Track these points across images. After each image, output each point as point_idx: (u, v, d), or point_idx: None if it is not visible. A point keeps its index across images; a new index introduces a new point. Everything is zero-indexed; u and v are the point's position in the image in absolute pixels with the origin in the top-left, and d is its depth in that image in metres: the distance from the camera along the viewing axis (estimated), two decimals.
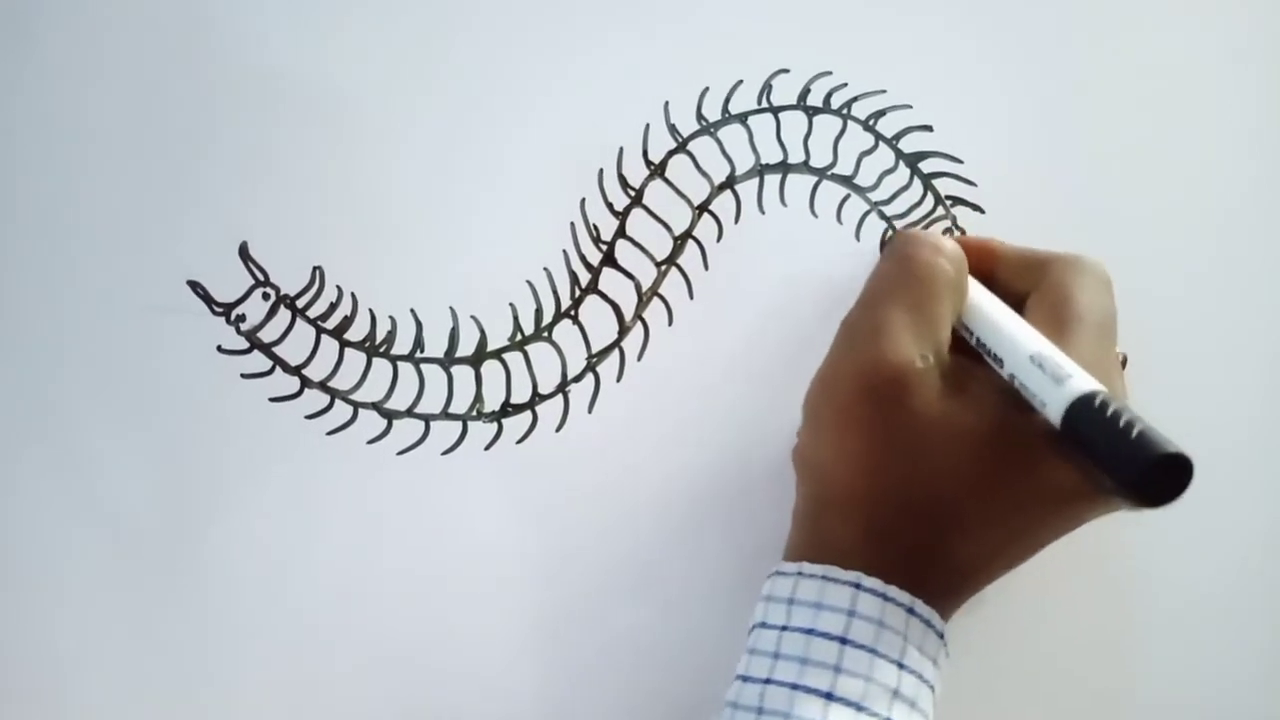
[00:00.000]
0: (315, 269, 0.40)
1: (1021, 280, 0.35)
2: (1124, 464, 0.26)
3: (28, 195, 0.40)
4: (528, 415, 0.41)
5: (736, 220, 0.41)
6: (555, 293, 0.41)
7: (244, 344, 0.40)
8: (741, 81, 0.41)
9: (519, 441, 0.40)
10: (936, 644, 0.31)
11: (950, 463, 0.31)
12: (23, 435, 0.40)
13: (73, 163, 0.41)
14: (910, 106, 0.41)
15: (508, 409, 0.41)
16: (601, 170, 0.41)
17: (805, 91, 0.41)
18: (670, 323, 0.41)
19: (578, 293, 0.41)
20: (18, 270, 0.40)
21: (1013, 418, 0.30)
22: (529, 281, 0.41)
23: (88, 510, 0.40)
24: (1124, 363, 0.36)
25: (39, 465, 0.40)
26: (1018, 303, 0.34)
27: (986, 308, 0.33)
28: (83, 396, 0.40)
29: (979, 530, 0.31)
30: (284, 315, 0.40)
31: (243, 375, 0.40)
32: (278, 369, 0.40)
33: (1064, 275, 0.34)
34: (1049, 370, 0.29)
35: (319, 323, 0.40)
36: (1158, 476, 0.26)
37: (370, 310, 0.40)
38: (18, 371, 0.40)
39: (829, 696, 0.29)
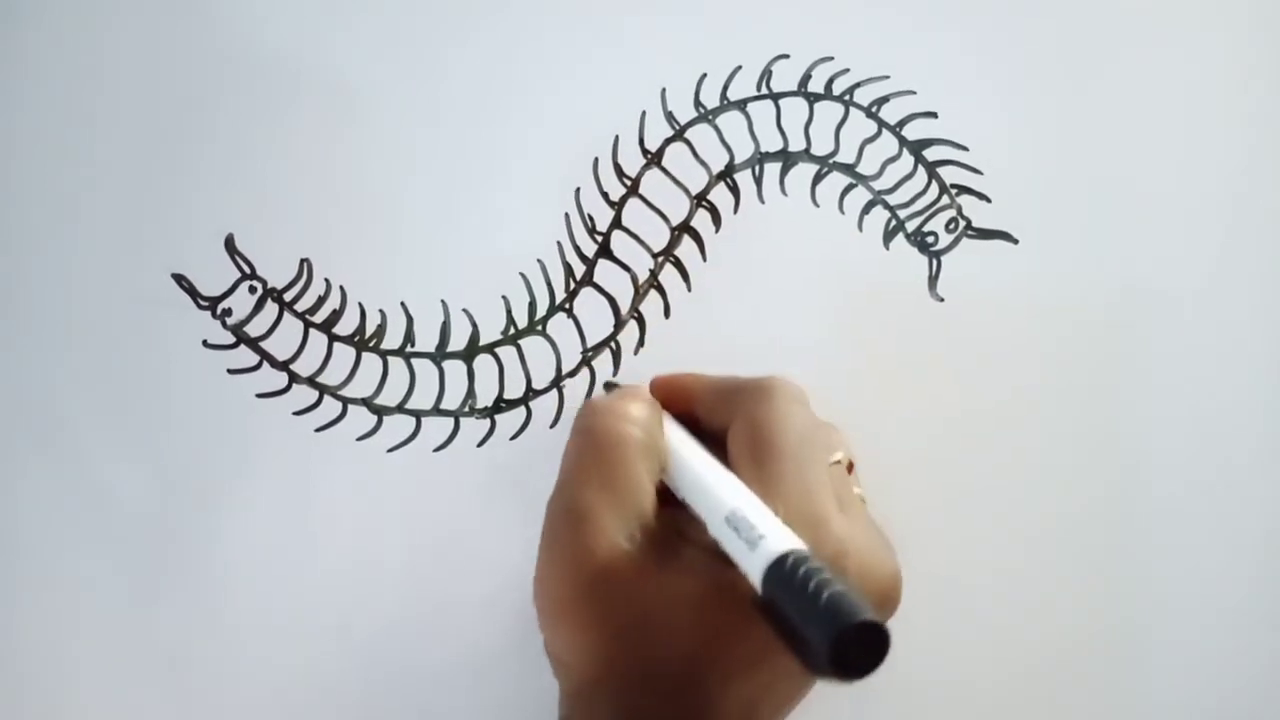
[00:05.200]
0: (303, 261, 0.40)
1: (719, 415, 0.33)
2: (814, 633, 0.24)
3: (15, 187, 0.40)
4: (521, 411, 0.40)
5: (736, 211, 0.40)
6: (549, 285, 0.40)
7: (230, 338, 0.39)
8: (740, 67, 0.40)
9: (513, 438, 0.40)
10: None
11: (678, 636, 0.29)
12: (10, 429, 0.40)
13: (60, 154, 0.40)
14: (914, 92, 0.40)
15: (501, 404, 0.40)
16: (597, 159, 0.40)
17: (806, 77, 0.40)
18: (667, 316, 0.40)
19: (572, 285, 0.40)
20: (5, 263, 0.40)
21: (725, 580, 0.29)
22: (522, 274, 0.40)
23: (77, 504, 0.39)
24: (850, 466, 0.34)
25: (27, 459, 0.39)
26: (722, 437, 0.33)
27: (685, 462, 0.32)
28: (72, 390, 0.40)
29: (722, 696, 0.30)
30: (271, 309, 0.40)
31: (229, 370, 0.39)
32: (265, 364, 0.40)
33: (752, 405, 0.32)
34: (743, 534, 0.28)
35: (307, 316, 0.40)
36: (849, 646, 0.23)
37: (360, 303, 0.40)
38: (5, 365, 0.40)
39: None
